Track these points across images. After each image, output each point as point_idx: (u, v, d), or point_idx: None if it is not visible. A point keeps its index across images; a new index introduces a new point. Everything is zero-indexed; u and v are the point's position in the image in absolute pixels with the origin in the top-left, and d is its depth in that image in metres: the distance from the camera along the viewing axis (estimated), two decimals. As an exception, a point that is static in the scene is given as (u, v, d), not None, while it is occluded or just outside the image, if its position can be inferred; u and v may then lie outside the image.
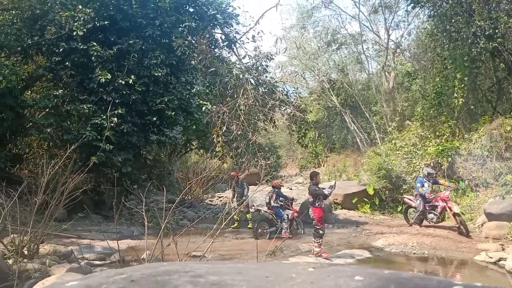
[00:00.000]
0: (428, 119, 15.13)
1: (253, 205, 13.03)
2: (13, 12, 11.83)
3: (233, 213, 9.57)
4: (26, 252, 6.87)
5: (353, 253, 9.15)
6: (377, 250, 9.58)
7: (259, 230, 10.43)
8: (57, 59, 11.54)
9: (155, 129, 13.12)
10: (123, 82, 11.31)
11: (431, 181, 11.05)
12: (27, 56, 12.39)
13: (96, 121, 11.00)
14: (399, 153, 15.01)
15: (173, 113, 11.94)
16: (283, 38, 22.43)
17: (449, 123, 14.41)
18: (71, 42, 11.28)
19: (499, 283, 7.64)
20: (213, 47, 13.35)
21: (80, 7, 11.19)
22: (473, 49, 13.13)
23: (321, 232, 8.67)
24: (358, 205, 14.56)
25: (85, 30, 11.06)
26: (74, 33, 11.01)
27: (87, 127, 11.03)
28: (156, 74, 11.62)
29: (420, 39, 20.00)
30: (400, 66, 24.37)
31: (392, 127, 18.65)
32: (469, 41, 13.09)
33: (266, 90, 12.52)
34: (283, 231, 10.25)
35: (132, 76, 11.39)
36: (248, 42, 13.44)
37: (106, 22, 11.38)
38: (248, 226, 11.89)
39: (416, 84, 21.52)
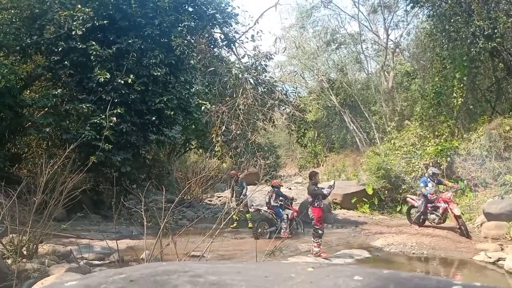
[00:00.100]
0: (427, 119, 15.13)
1: (253, 205, 13.03)
2: (12, 11, 11.82)
3: (232, 213, 9.59)
4: (25, 252, 6.86)
5: (352, 253, 9.15)
6: (376, 250, 9.58)
7: (259, 230, 10.43)
8: (56, 58, 11.53)
9: (154, 129, 13.11)
10: (122, 82, 11.31)
11: (435, 181, 11.00)
12: (26, 56, 12.38)
13: (95, 120, 11.00)
14: (398, 153, 15.01)
15: (172, 113, 11.93)
16: (282, 37, 22.41)
17: (448, 123, 14.42)
18: (70, 42, 11.27)
19: (498, 283, 7.65)
20: (212, 46, 13.34)
21: (79, 6, 11.18)
22: (472, 49, 13.13)
23: (320, 232, 8.67)
24: (357, 205, 14.56)
25: (84, 29, 11.05)
26: (73, 33, 11.00)
27: (86, 126, 11.02)
28: (155, 74, 11.62)
29: (419, 39, 20.01)
30: (399, 66, 24.39)
31: (391, 127, 18.65)
32: (468, 41, 13.10)
33: (265, 89, 12.52)
34: (282, 231, 10.24)
35: (131, 76, 11.38)
36: (247, 42, 13.45)
37: (105, 22, 11.38)
38: (248, 226, 11.89)
39: (415, 84, 21.54)
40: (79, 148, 10.37)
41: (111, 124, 10.96)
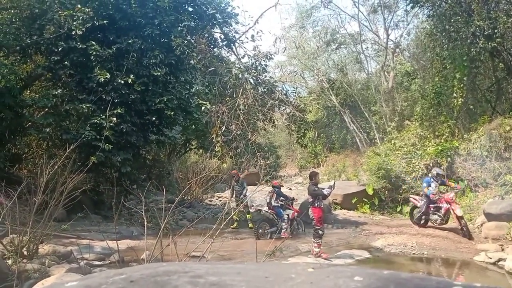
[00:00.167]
0: (428, 119, 15.13)
1: (253, 205, 13.03)
2: (12, 11, 11.82)
3: (233, 213, 9.59)
4: (25, 253, 6.86)
5: (353, 254, 9.14)
6: (376, 251, 9.57)
7: (260, 231, 10.43)
8: (56, 58, 11.53)
9: (154, 129, 13.12)
10: (122, 82, 11.31)
11: (438, 182, 10.98)
12: (26, 56, 12.39)
13: (95, 120, 11.00)
14: (398, 153, 15.01)
15: (172, 113, 11.93)
16: (282, 37, 22.42)
17: (449, 123, 14.42)
18: (70, 42, 11.27)
19: (499, 284, 7.65)
20: (212, 46, 13.35)
21: (79, 6, 11.19)
22: (472, 49, 13.13)
23: (320, 232, 8.66)
24: (358, 205, 14.57)
25: (84, 29, 11.06)
26: (73, 33, 11.01)
27: (86, 126, 11.03)
28: (155, 74, 11.62)
29: (419, 39, 20.01)
30: (399, 66, 24.39)
31: (391, 127, 18.66)
32: (468, 41, 13.10)
33: (265, 89, 12.52)
34: (282, 231, 10.25)
35: (131, 76, 11.38)
36: (247, 42, 13.45)
37: (105, 22, 11.38)
38: (249, 227, 11.89)
39: (415, 84, 21.54)
40: (79, 148, 10.38)
41: (111, 124, 10.96)
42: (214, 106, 11.62)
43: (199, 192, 17.06)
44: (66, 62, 11.51)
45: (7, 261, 6.44)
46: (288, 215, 10.82)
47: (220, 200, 18.70)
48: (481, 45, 12.72)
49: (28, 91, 13.33)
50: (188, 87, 13.46)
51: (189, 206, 14.97)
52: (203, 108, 11.92)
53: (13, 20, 11.74)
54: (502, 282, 7.64)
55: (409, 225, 11.70)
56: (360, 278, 1.14)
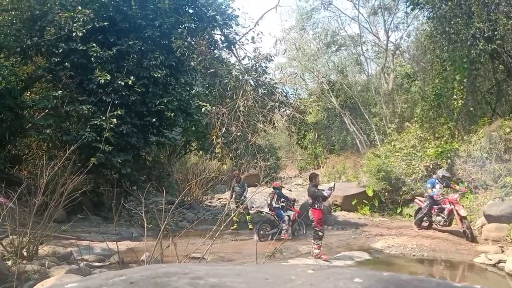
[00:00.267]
0: (428, 121, 15.13)
1: (253, 207, 13.02)
2: (13, 12, 11.84)
3: (233, 215, 9.60)
4: (25, 254, 6.86)
5: (353, 255, 9.14)
6: (376, 252, 9.57)
7: (261, 232, 10.42)
8: (56, 60, 11.54)
9: (154, 130, 13.12)
10: (123, 83, 11.32)
11: (444, 184, 10.94)
12: (27, 57, 12.39)
13: (96, 122, 11.00)
14: (398, 155, 15.00)
15: (172, 114, 11.94)
16: (283, 39, 22.43)
17: (449, 125, 14.42)
18: (70, 43, 11.28)
19: (499, 285, 7.65)
20: (212, 48, 13.35)
21: (79, 8, 11.21)
22: (472, 51, 13.13)
23: (320, 234, 8.66)
24: (358, 207, 14.56)
25: (84, 31, 11.06)
26: (74, 34, 11.02)
27: (86, 128, 11.02)
28: (156, 75, 11.63)
29: (419, 41, 20.02)
30: (400, 68, 24.39)
31: (391, 128, 18.65)
32: (468, 43, 13.10)
33: (265, 91, 12.52)
34: (282, 232, 10.25)
35: (132, 77, 11.39)
36: (247, 44, 13.46)
37: (105, 23, 11.39)
38: (249, 228, 11.88)
39: (415, 85, 21.54)
40: (80, 149, 10.38)
41: (112, 125, 10.96)
42: (214, 108, 11.63)
43: (199, 194, 17.05)
44: (66, 64, 11.51)
45: (7, 262, 6.43)
46: (289, 216, 10.82)
47: (220, 202, 18.69)
48: (481, 47, 12.72)
49: (29, 93, 13.34)
50: (188, 89, 13.47)
51: (189, 207, 14.96)
52: (203, 109, 11.92)
53: (14, 21, 11.76)
54: (502, 284, 7.64)
55: (409, 227, 11.69)
56: (360, 279, 1.14)
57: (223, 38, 13.78)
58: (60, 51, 11.36)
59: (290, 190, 21.36)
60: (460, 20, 13.19)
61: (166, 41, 12.17)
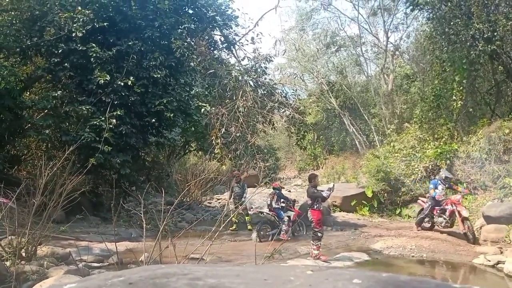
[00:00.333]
0: (427, 122, 15.14)
1: (252, 207, 13.01)
2: (12, 13, 11.83)
3: (232, 215, 9.60)
4: (24, 254, 6.85)
5: (352, 256, 9.14)
6: (375, 253, 9.57)
7: (261, 232, 10.43)
8: (56, 60, 11.54)
9: (153, 131, 13.12)
10: (122, 84, 11.32)
11: (446, 185, 10.92)
12: (26, 57, 12.39)
13: (95, 122, 11.00)
14: (397, 156, 15.01)
15: (172, 115, 11.94)
16: (282, 40, 22.41)
17: (448, 126, 14.43)
18: (70, 43, 11.28)
19: (498, 287, 7.65)
20: (212, 48, 13.36)
21: (79, 8, 11.21)
22: (471, 52, 13.15)
23: (319, 234, 8.65)
24: (357, 208, 14.56)
25: (84, 31, 11.07)
26: (73, 34, 11.02)
27: (85, 128, 11.02)
28: (155, 76, 11.64)
29: (419, 42, 20.04)
30: (399, 69, 24.41)
31: (390, 129, 18.66)
32: (468, 43, 13.11)
33: (265, 92, 12.53)
34: (282, 233, 10.25)
35: (131, 78, 11.39)
36: (247, 44, 13.48)
37: (105, 24, 11.39)
38: (248, 229, 11.88)
39: (415, 86, 21.55)
40: (79, 150, 10.37)
41: (111, 126, 10.96)
42: (213, 108, 11.63)
43: (198, 194, 17.04)
44: (66, 64, 11.51)
45: (6, 262, 6.43)
46: (289, 216, 10.82)
47: (219, 202, 18.68)
48: (480, 48, 12.74)
49: (28, 93, 13.33)
50: (188, 89, 13.47)
51: (188, 208, 14.95)
52: (202, 110, 11.92)
53: (14, 22, 11.76)
54: (501, 285, 7.64)
55: (409, 228, 11.69)
56: (359, 280, 1.14)
57: (222, 39, 13.80)
58: (59, 51, 11.36)
59: (290, 191, 21.35)
60: (460, 21, 13.20)
61: (166, 42, 12.17)
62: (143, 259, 6.25)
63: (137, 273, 1.30)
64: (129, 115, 11.70)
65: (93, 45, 11.21)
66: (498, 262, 8.30)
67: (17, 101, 11.32)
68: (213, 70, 12.13)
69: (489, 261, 8.43)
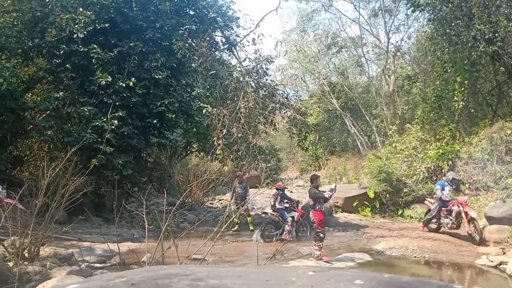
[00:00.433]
0: (429, 123, 15.12)
1: (254, 208, 13.01)
2: (14, 14, 11.86)
3: (234, 216, 9.59)
4: (26, 255, 6.86)
5: (354, 257, 9.13)
6: (377, 254, 9.55)
7: (266, 233, 10.42)
8: (57, 61, 11.57)
9: (155, 132, 13.13)
10: (124, 85, 11.33)
11: (453, 187, 10.88)
12: (28, 58, 12.42)
13: (97, 123, 11.01)
14: (399, 157, 14.98)
15: (173, 116, 11.94)
16: (283, 41, 22.43)
17: (450, 127, 14.40)
18: (71, 45, 11.30)
19: (500, 287, 7.63)
20: (213, 50, 13.38)
21: (80, 9, 11.23)
22: (473, 53, 13.13)
23: (321, 235, 8.65)
24: (359, 208, 14.53)
25: (85, 32, 11.09)
26: (75, 36, 11.04)
27: (87, 129, 11.03)
28: (157, 77, 11.65)
29: (420, 43, 20.01)
30: (400, 70, 24.38)
31: (392, 130, 18.63)
32: (469, 44, 13.10)
33: (266, 93, 12.54)
34: (284, 232, 10.25)
35: (133, 79, 11.40)
36: (248, 45, 13.52)
37: (106, 25, 11.41)
38: (250, 229, 11.88)
39: (416, 87, 21.52)
40: (81, 151, 10.39)
41: (113, 127, 10.97)
42: (215, 109, 11.64)
43: (200, 195, 17.04)
44: (67, 65, 11.54)
45: (8, 263, 6.44)
46: (293, 217, 10.82)
47: (221, 203, 18.67)
48: (482, 49, 12.72)
49: (30, 94, 13.36)
50: (189, 90, 13.48)
51: (190, 208, 14.95)
52: (204, 111, 11.93)
53: (15, 23, 11.78)
54: (503, 286, 7.63)
55: (411, 228, 11.67)
56: (361, 281, 1.14)
57: (224, 40, 13.82)
58: (61, 52, 11.38)
59: (291, 192, 21.32)
60: (461, 22, 13.19)
61: (167, 43, 12.19)
62: (145, 259, 6.26)
63: (139, 273, 1.31)
64: (131, 116, 11.71)
65: (95, 46, 11.22)
66: (501, 263, 8.28)
67: (19, 102, 11.35)
68: (214, 71, 12.14)
69: (492, 261, 8.40)
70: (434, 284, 1.14)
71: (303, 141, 13.58)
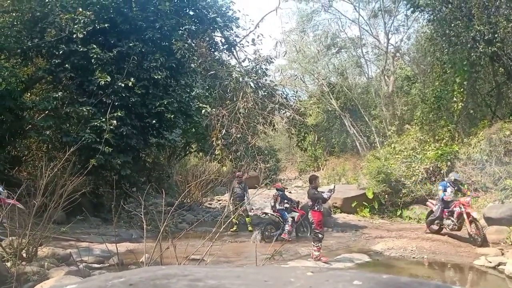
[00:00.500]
0: (428, 123, 15.14)
1: (252, 208, 13.00)
2: (13, 14, 11.85)
3: (232, 217, 9.60)
4: (24, 255, 6.85)
5: (352, 257, 9.13)
6: (376, 254, 9.55)
7: (266, 233, 10.43)
8: (57, 61, 11.56)
9: (154, 132, 13.12)
10: (123, 85, 11.32)
11: (455, 188, 10.87)
12: (27, 58, 12.41)
13: (96, 123, 11.00)
14: (398, 157, 14.99)
15: (172, 116, 11.94)
16: (283, 41, 22.49)
17: (449, 127, 14.42)
18: (71, 45, 11.30)
19: (498, 288, 7.64)
20: (213, 50, 13.39)
21: (80, 9, 11.23)
22: (472, 54, 13.15)
23: (320, 236, 8.65)
24: (357, 209, 14.54)
25: (85, 32, 11.08)
26: (74, 36, 11.04)
27: (86, 129, 11.02)
28: (156, 77, 11.64)
29: (420, 43, 20.03)
30: (400, 70, 24.41)
31: (391, 131, 18.66)
32: (469, 45, 13.11)
33: (265, 93, 12.55)
34: (284, 232, 10.26)
35: (132, 79, 11.40)
36: (248, 46, 13.54)
37: (106, 25, 11.40)
38: (248, 229, 11.87)
39: (415, 88, 21.55)
40: (79, 151, 10.38)
41: (111, 127, 10.96)
42: (214, 110, 11.64)
43: (198, 195, 17.04)
44: (67, 65, 11.53)
45: (6, 263, 6.43)
46: (293, 217, 10.82)
47: (220, 203, 18.67)
48: (481, 50, 12.74)
49: (29, 94, 13.35)
50: (188, 91, 13.48)
51: (188, 209, 14.94)
52: (203, 111, 11.93)
53: (15, 23, 11.77)
54: (502, 287, 7.63)
55: (409, 229, 11.67)
56: (359, 282, 1.14)
57: (223, 40, 13.82)
58: (60, 52, 11.37)
59: (290, 192, 21.31)
60: (461, 23, 13.21)
61: (167, 43, 12.19)
62: (143, 260, 6.25)
63: (138, 274, 1.31)
64: (130, 116, 11.71)
65: (94, 46, 11.22)
66: (499, 264, 8.28)
67: (18, 102, 11.34)
68: (213, 72, 12.14)
69: (490, 262, 8.41)
70: (432, 285, 1.14)
71: (302, 141, 13.60)
